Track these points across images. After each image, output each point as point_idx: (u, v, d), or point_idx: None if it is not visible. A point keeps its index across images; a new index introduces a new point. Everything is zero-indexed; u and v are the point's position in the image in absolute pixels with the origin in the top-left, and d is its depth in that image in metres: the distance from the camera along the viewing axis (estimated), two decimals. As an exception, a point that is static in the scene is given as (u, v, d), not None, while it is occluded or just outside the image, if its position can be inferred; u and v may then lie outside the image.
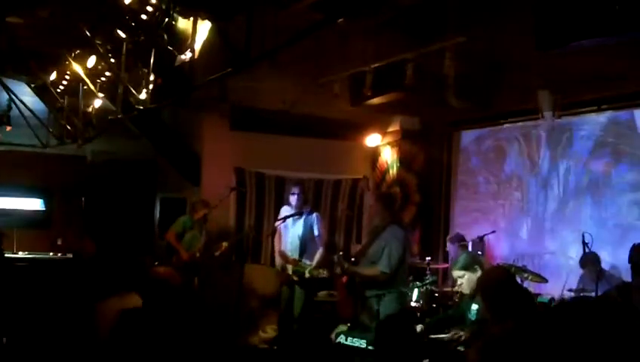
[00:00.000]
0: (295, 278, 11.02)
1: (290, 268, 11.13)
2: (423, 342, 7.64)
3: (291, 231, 11.15)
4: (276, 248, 11.52)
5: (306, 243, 11.11)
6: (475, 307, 7.91)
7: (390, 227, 8.83)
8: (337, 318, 9.74)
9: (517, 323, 5.45)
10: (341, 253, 9.79)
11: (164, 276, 6.38)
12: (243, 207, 12.86)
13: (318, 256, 11.00)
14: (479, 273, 8.08)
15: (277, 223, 11.21)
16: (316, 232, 11.17)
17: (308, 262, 10.96)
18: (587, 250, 8.97)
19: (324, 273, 10.57)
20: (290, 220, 11.07)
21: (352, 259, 9.28)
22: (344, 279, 9.27)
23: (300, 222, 11.10)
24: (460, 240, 11.48)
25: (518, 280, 9.93)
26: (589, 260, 9.47)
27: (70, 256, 14.54)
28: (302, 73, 11.59)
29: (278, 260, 11.49)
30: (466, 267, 8.49)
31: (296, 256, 11.06)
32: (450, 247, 11.77)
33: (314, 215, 11.27)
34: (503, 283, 5.96)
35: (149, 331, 5.92)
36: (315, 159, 13.40)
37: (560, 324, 3.64)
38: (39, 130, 11.71)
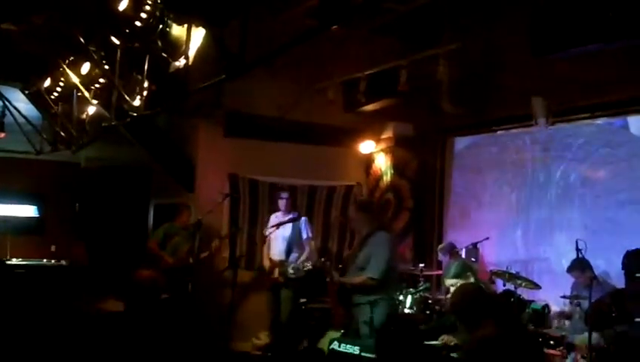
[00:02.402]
0: (281, 279, 11.09)
1: (276, 272, 11.20)
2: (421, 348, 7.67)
3: (279, 236, 11.25)
4: (265, 255, 11.62)
5: (292, 246, 11.21)
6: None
7: (378, 233, 8.85)
8: (330, 325, 9.74)
9: (496, 328, 5.61)
10: (328, 262, 9.84)
11: (148, 278, 6.42)
12: (237, 213, 12.85)
13: (304, 256, 11.13)
14: (472, 280, 8.11)
15: (270, 231, 11.26)
16: (304, 235, 11.34)
17: (292, 262, 11.08)
18: (580, 256, 8.99)
19: (308, 265, 10.63)
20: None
21: (340, 266, 9.30)
22: (335, 287, 9.28)
23: (288, 226, 11.20)
24: (451, 249, 11.47)
25: (512, 286, 9.97)
26: (578, 266, 9.48)
27: (64, 262, 14.59)
28: (296, 79, 11.63)
29: (267, 265, 11.55)
30: (458, 275, 8.54)
31: (282, 258, 11.16)
32: (442, 257, 11.77)
33: (302, 219, 11.40)
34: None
35: (130, 334, 5.94)
36: (309, 166, 13.39)
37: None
38: (33, 136, 11.72)
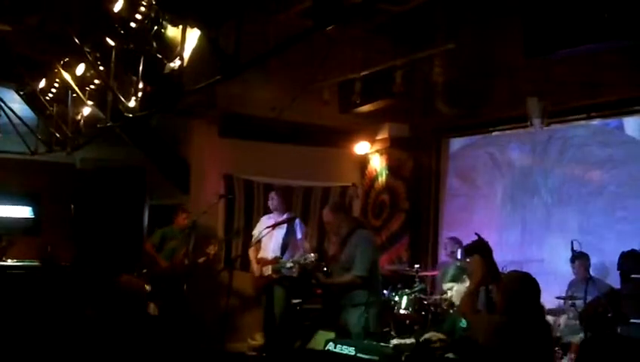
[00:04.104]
0: (274, 276, 11.10)
1: (269, 269, 11.20)
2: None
3: (274, 237, 11.26)
4: (252, 258, 11.58)
5: (286, 246, 11.21)
6: (464, 317, 7.98)
7: (357, 231, 8.83)
8: (326, 325, 9.72)
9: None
10: (317, 261, 9.85)
11: (129, 285, 6.42)
12: (232, 214, 12.83)
13: (297, 256, 11.12)
14: (467, 283, 8.13)
15: (265, 231, 11.25)
16: (299, 235, 11.33)
17: (287, 258, 11.09)
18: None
19: (310, 257, 10.67)
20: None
21: (324, 269, 9.28)
22: (317, 291, 9.29)
23: (283, 227, 11.21)
24: (453, 244, 11.45)
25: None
26: (581, 257, 9.51)
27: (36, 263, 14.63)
28: (291, 80, 11.61)
29: (256, 268, 11.54)
30: (455, 279, 8.57)
31: (277, 254, 11.19)
32: (446, 247, 11.75)
33: (296, 220, 11.42)
34: (519, 286, 6.05)
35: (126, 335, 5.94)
36: (304, 166, 13.38)
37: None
38: (28, 137, 11.69)
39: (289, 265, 10.94)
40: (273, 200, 11.55)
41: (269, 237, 11.32)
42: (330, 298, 8.97)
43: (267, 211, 12.04)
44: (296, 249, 11.34)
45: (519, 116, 10.98)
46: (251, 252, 11.64)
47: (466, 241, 11.38)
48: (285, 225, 11.27)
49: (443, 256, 11.95)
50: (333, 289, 8.86)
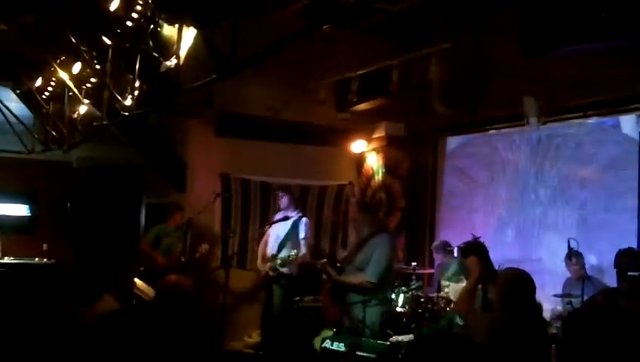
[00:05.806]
0: (272, 274, 11.11)
1: (267, 266, 11.22)
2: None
3: (275, 233, 11.29)
4: (260, 254, 11.61)
5: (285, 244, 11.22)
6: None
7: (378, 235, 8.82)
8: (323, 323, 9.74)
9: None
10: (325, 260, 9.80)
11: (177, 282, 6.44)
12: (228, 213, 12.84)
13: (284, 254, 11.13)
14: (464, 283, 8.13)
15: (265, 228, 11.29)
16: (302, 234, 11.35)
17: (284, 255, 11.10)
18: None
19: (293, 254, 10.69)
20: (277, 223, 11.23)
21: (338, 265, 9.27)
22: (329, 286, 9.26)
23: (287, 225, 11.23)
24: (445, 247, 11.45)
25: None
26: (576, 256, 9.51)
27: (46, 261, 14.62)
28: (287, 79, 11.61)
29: (259, 265, 11.55)
30: (450, 278, 8.57)
31: (274, 252, 11.21)
32: (435, 256, 11.79)
33: (303, 219, 11.43)
34: (514, 283, 6.07)
35: (130, 336, 5.93)
36: (301, 165, 13.39)
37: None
38: (25, 135, 11.69)
39: (278, 262, 10.99)
40: (282, 199, 11.59)
41: (271, 235, 11.37)
42: (337, 294, 8.98)
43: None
44: (297, 248, 11.34)
45: (516, 115, 10.96)
46: (260, 248, 11.70)
47: (460, 241, 11.48)
48: (290, 224, 11.30)
49: (438, 260, 11.93)
50: (340, 286, 8.87)
